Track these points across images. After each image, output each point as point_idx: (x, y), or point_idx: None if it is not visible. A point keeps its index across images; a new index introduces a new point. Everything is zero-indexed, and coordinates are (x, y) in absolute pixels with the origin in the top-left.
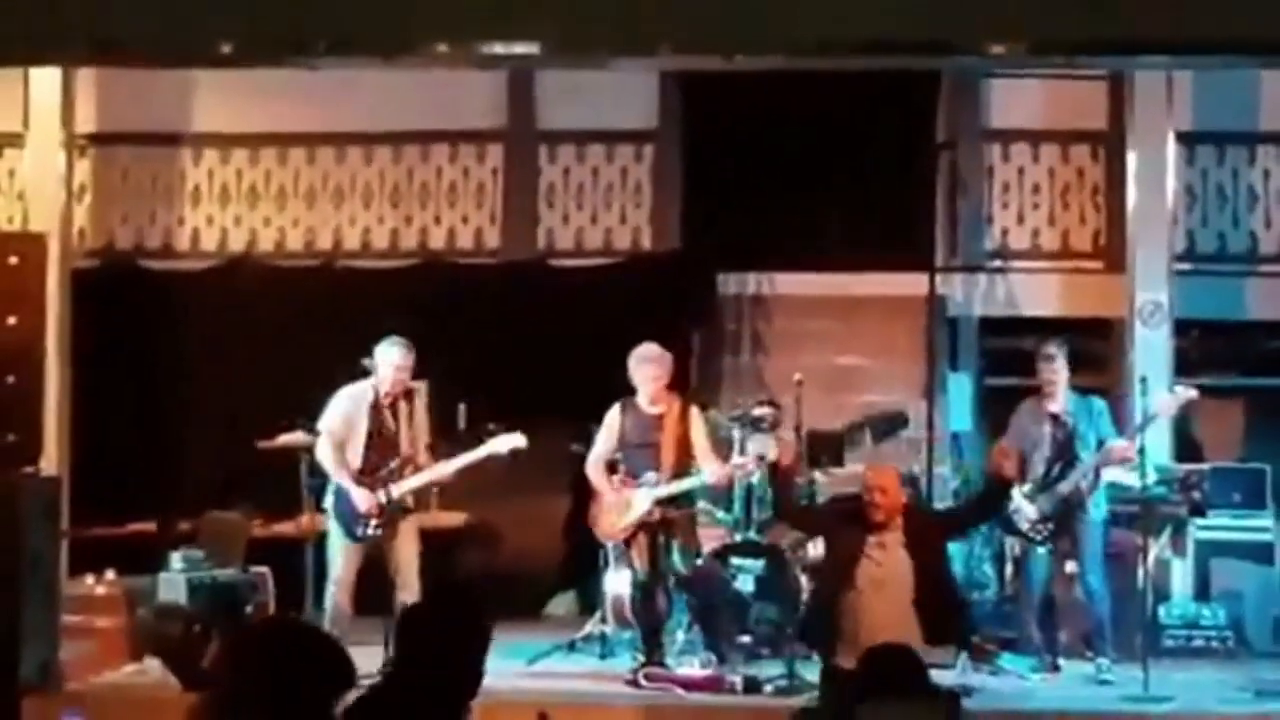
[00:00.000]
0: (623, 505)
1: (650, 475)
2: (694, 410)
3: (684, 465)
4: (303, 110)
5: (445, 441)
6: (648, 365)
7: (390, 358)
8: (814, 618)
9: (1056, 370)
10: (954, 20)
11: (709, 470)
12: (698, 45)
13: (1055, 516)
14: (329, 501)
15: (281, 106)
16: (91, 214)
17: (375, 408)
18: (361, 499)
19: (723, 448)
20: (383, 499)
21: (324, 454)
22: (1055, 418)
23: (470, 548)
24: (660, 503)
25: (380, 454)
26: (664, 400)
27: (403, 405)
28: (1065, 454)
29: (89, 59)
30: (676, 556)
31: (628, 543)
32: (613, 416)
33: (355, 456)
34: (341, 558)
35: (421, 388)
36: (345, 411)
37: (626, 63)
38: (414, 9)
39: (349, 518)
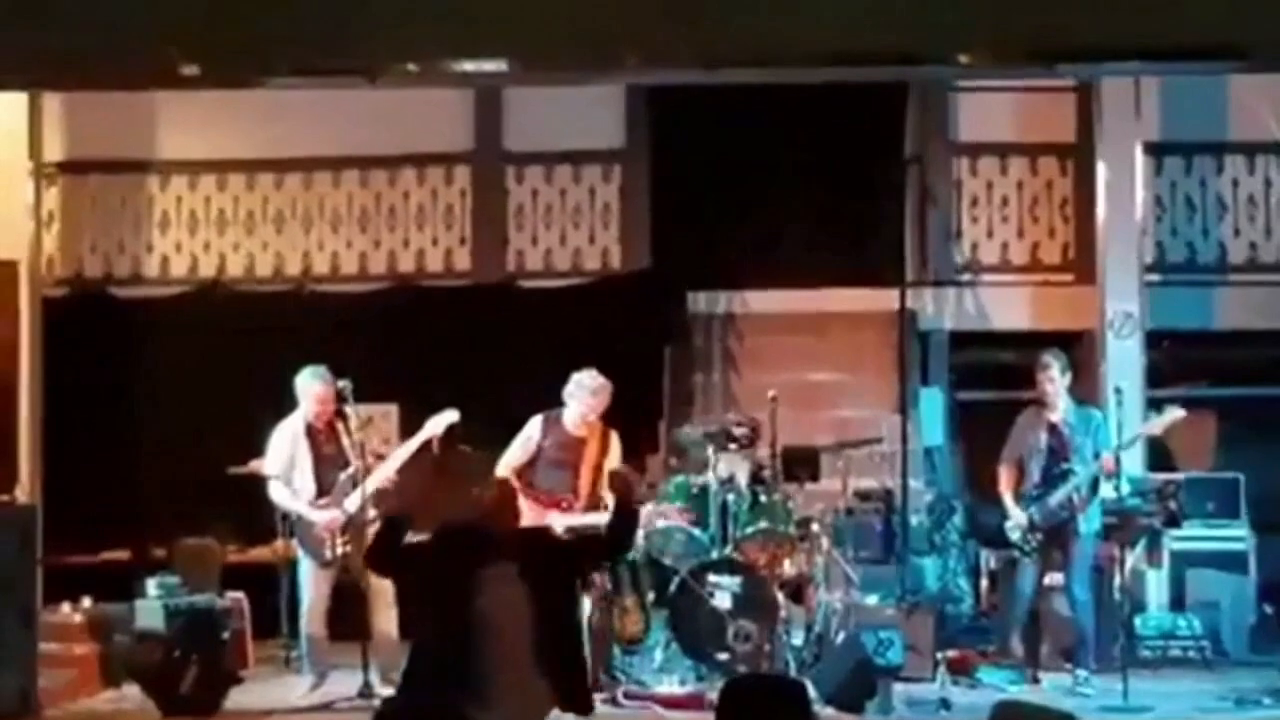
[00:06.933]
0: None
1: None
2: (614, 438)
3: (598, 494)
4: (269, 136)
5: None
6: (593, 396)
7: (310, 390)
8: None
9: (1053, 379)
10: (921, 31)
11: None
12: (665, 60)
13: (1046, 527)
14: (295, 531)
15: (248, 132)
16: (60, 242)
17: (310, 434)
18: (320, 519)
19: (697, 465)
20: (340, 515)
21: (278, 495)
22: (1053, 427)
23: None
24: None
25: (330, 475)
26: (589, 426)
27: (338, 424)
28: (1059, 464)
29: (53, 83)
30: None
31: None
32: (534, 428)
33: (308, 484)
34: (312, 583)
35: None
36: (283, 448)
37: (595, 78)
38: (380, 29)
39: (314, 543)
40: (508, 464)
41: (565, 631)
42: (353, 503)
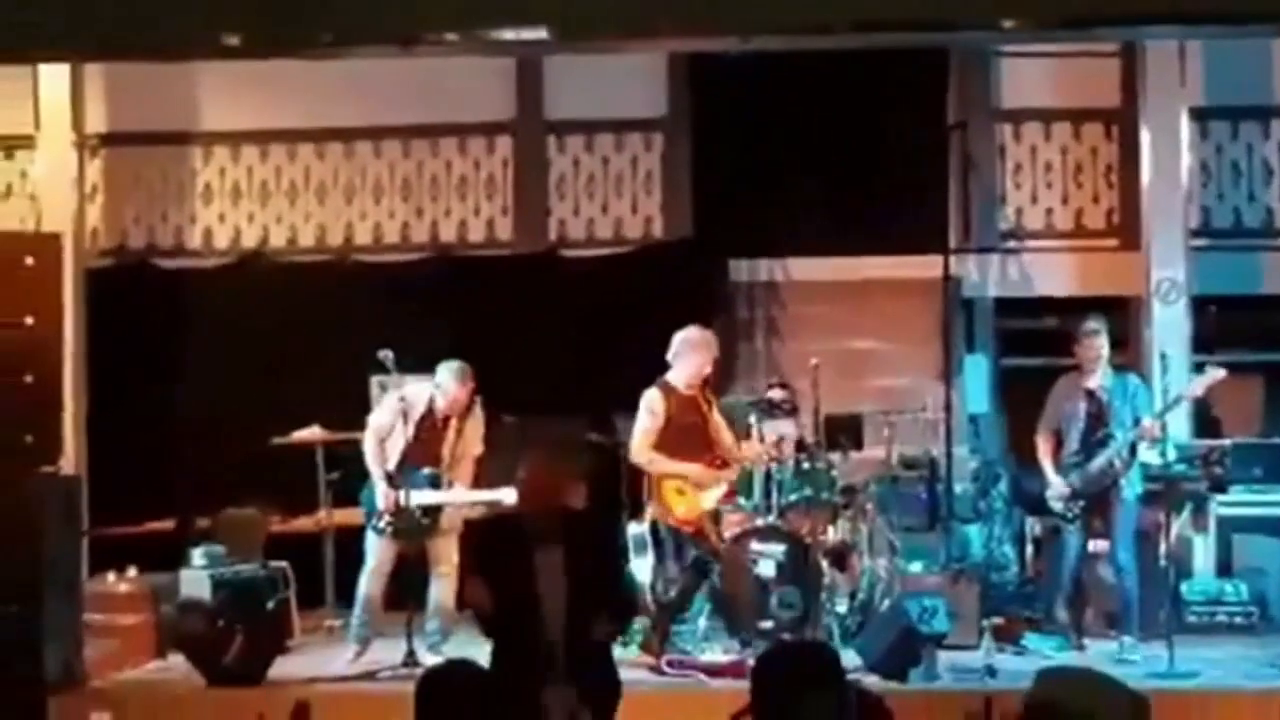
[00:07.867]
0: (703, 487)
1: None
2: (709, 393)
3: (726, 446)
4: (311, 106)
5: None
6: (704, 351)
7: (440, 383)
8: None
9: (1097, 346)
10: None
11: (754, 451)
12: (703, 26)
13: (1087, 494)
14: (364, 493)
15: (290, 103)
16: (104, 214)
17: (427, 415)
18: (381, 496)
19: (741, 433)
20: (397, 498)
21: (367, 445)
22: (1090, 394)
23: None
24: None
25: (415, 459)
26: (696, 384)
27: (455, 421)
28: (1098, 430)
29: (95, 54)
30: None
31: (697, 527)
32: (656, 399)
33: (393, 455)
34: (376, 548)
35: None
36: (395, 411)
37: (634, 45)
38: None
39: (374, 513)
40: (646, 440)
41: (597, 619)
42: (417, 499)
